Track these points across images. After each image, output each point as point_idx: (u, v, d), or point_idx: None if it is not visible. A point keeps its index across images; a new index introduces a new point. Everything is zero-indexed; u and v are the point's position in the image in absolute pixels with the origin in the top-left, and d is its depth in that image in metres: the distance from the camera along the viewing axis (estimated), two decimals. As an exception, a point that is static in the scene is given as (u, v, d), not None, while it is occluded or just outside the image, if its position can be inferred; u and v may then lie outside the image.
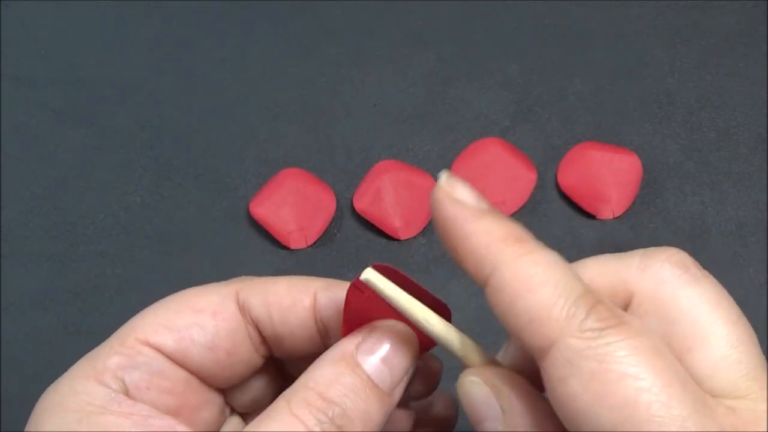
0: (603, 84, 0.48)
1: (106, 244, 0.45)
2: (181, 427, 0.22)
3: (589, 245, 0.44)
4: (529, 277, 0.19)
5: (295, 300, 0.24)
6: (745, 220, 0.45)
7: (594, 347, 0.18)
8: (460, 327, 0.24)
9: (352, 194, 0.46)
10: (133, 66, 0.50)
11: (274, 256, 0.45)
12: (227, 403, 0.26)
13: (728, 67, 0.48)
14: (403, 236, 0.45)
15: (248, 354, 0.24)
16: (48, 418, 0.21)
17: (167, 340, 0.23)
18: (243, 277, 0.25)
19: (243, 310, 0.24)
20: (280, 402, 0.21)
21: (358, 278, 0.22)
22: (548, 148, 0.47)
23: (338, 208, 0.46)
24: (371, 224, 0.45)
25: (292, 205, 0.45)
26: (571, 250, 0.44)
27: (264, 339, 0.24)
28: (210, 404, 0.24)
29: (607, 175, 0.45)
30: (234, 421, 0.26)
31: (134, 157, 0.48)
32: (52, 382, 0.23)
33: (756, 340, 0.20)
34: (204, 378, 0.24)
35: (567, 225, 0.45)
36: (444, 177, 0.21)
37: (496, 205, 0.45)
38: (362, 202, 0.45)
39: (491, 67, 0.49)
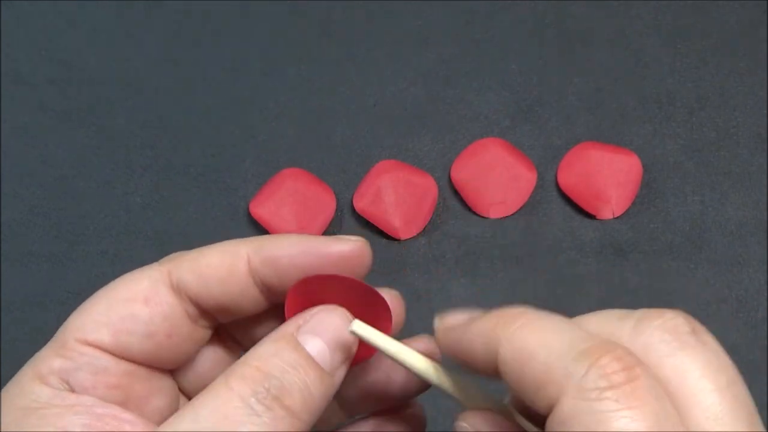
0: (603, 84, 0.48)
1: (106, 244, 0.45)
2: (126, 414, 0.22)
3: (589, 245, 0.44)
4: (527, 346, 0.19)
5: (229, 268, 0.23)
6: (745, 220, 0.45)
7: (590, 413, 0.17)
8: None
9: (352, 194, 0.46)
10: (133, 66, 0.50)
11: (274, 256, 0.45)
12: (182, 390, 0.26)
13: (728, 67, 0.48)
14: (403, 236, 0.45)
15: (189, 331, 0.24)
16: None
17: (104, 336, 0.23)
18: (174, 254, 0.25)
19: (178, 289, 0.24)
20: (219, 379, 0.21)
21: (302, 280, 0.23)
22: (548, 148, 0.47)
23: (338, 208, 0.46)
24: (371, 224, 0.45)
25: (292, 205, 0.45)
26: (571, 250, 0.44)
27: (204, 312, 0.24)
28: (160, 392, 0.24)
29: (607, 175, 0.45)
30: None
31: (134, 157, 0.48)
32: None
33: (748, 406, 0.19)
34: (150, 364, 0.24)
35: (567, 225, 0.45)
36: (437, 320, 0.23)
37: (496, 205, 0.45)
38: (362, 202, 0.45)
39: (491, 67, 0.49)
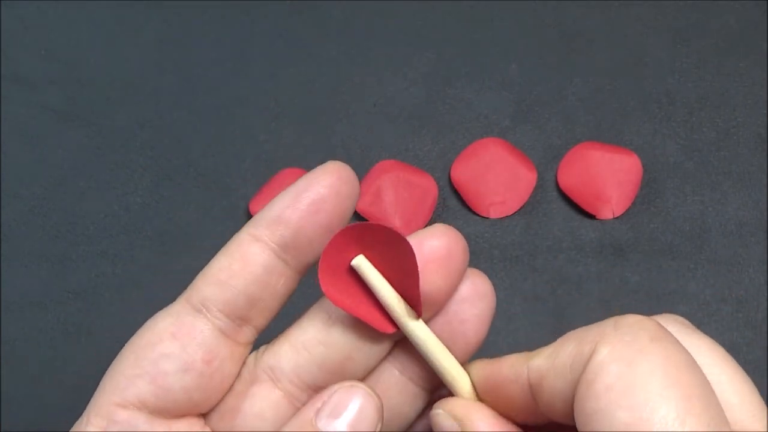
0: (603, 84, 0.48)
1: (106, 244, 0.45)
2: None
3: (589, 245, 0.44)
4: (562, 340, 0.21)
5: (241, 255, 0.23)
6: (745, 220, 0.45)
7: (626, 351, 0.18)
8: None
9: (352, 194, 0.46)
10: (133, 66, 0.50)
11: (274, 256, 0.45)
12: None
13: (728, 67, 0.48)
14: (403, 236, 0.45)
15: (230, 351, 0.23)
16: None
17: (142, 388, 0.22)
18: (193, 283, 0.24)
19: (203, 310, 0.23)
20: None
21: (329, 245, 0.22)
22: (548, 148, 0.47)
23: (338, 208, 0.46)
24: (371, 224, 0.45)
25: (292, 205, 0.45)
26: (571, 250, 0.44)
27: (242, 318, 0.23)
28: None
29: (607, 175, 0.45)
30: None
31: (134, 157, 0.47)
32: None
33: (757, 391, 0.21)
34: (196, 406, 0.23)
35: (567, 225, 0.45)
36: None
37: (496, 205, 0.45)
38: (362, 202, 0.45)
39: (491, 67, 0.49)
